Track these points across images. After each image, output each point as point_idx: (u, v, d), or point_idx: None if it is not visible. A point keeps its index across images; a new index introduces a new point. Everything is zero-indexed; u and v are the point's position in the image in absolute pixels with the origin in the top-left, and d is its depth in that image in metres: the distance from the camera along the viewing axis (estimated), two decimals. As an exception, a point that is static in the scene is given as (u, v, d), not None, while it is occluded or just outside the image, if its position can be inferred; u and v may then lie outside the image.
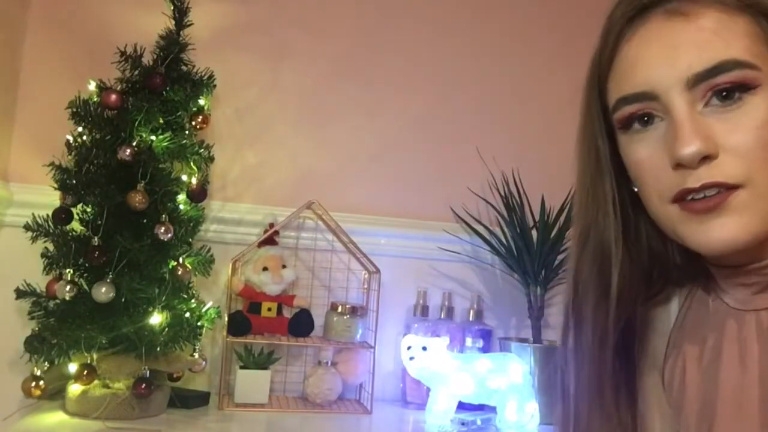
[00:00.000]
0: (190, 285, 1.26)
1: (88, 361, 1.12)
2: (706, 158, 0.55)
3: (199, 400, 1.28)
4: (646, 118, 0.60)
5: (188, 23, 1.31)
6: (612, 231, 0.65)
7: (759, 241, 0.56)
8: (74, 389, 1.13)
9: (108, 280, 1.12)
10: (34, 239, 1.19)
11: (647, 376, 0.70)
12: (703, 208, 0.56)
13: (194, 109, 1.29)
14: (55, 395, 1.18)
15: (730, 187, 0.55)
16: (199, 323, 1.23)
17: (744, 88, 0.56)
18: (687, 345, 0.67)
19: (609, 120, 0.64)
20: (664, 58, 0.58)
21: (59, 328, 1.12)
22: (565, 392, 0.71)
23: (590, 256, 0.67)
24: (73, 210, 1.20)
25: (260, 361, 1.32)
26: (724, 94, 0.56)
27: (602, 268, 0.66)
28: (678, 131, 0.56)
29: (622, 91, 0.61)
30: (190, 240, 1.28)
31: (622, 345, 0.68)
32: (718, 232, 0.56)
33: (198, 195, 1.27)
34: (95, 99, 1.21)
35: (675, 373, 0.67)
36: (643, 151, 0.60)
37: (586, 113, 0.67)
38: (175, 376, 1.28)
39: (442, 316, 1.47)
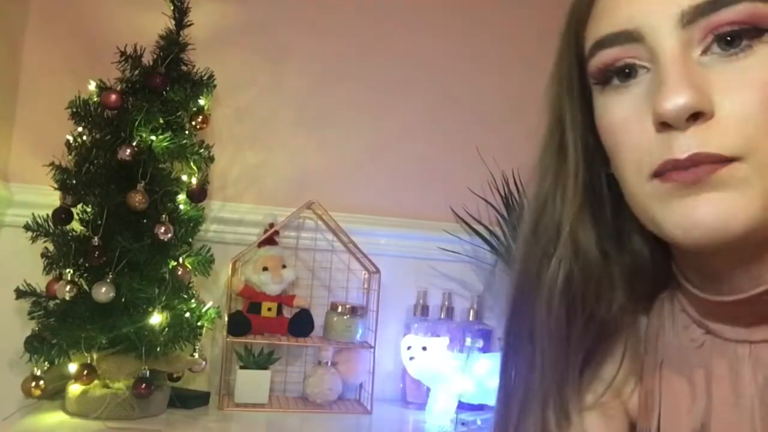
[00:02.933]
0: (190, 285, 1.26)
1: (88, 361, 1.12)
2: (696, 116, 0.42)
3: (199, 400, 1.28)
4: (627, 71, 0.47)
5: (188, 23, 1.31)
6: (567, 212, 0.52)
7: (755, 232, 0.43)
8: (74, 389, 1.13)
9: (108, 280, 1.12)
10: (34, 239, 1.19)
11: (590, 411, 0.56)
12: (691, 179, 0.43)
13: (194, 109, 1.29)
14: (55, 395, 1.18)
15: (726, 160, 0.42)
16: (199, 323, 1.23)
17: (754, 32, 0.43)
18: (664, 380, 0.54)
19: (585, 79, 0.51)
20: None
21: (59, 328, 1.12)
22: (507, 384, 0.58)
23: (540, 239, 0.54)
24: (73, 210, 1.20)
25: (260, 361, 1.32)
26: (728, 39, 0.43)
27: (545, 255, 0.53)
28: (664, 78, 0.43)
29: (600, 32, 0.48)
30: (190, 240, 1.28)
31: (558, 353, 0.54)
32: (705, 209, 0.43)
33: (198, 195, 1.27)
34: (95, 99, 1.21)
35: (647, 409, 0.55)
36: (620, 112, 0.47)
37: (557, 66, 0.55)
38: (175, 376, 1.28)
39: (442, 316, 1.47)
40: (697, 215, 0.43)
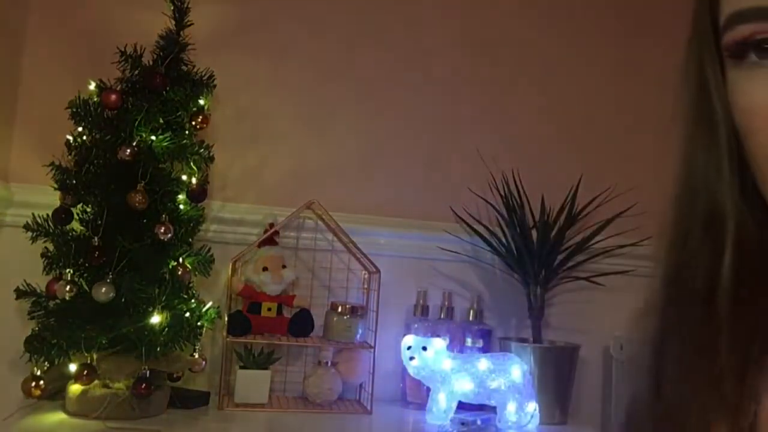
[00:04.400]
0: (190, 285, 1.26)
1: (88, 361, 1.12)
2: None
3: (199, 400, 1.28)
4: (766, 46, 0.41)
5: (188, 23, 1.31)
6: (727, 194, 0.47)
7: None
8: (74, 389, 1.13)
9: (108, 280, 1.12)
10: (34, 239, 1.19)
11: None
12: None
13: (194, 109, 1.29)
14: (55, 395, 1.18)
15: None
16: (199, 323, 1.23)
17: None
18: None
19: (720, 48, 0.46)
20: None
21: (59, 328, 1.12)
22: (658, 382, 0.50)
23: (700, 226, 0.48)
24: (73, 210, 1.20)
25: (260, 361, 1.32)
26: None
27: (715, 239, 0.47)
28: None
29: (740, 4, 0.42)
30: (190, 240, 1.28)
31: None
32: None
33: (198, 195, 1.27)
34: (95, 99, 1.21)
35: None
36: (759, 94, 0.42)
37: (693, 39, 0.50)
38: (175, 376, 1.28)
39: (442, 316, 1.47)
40: None
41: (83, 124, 1.21)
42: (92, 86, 1.22)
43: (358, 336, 1.38)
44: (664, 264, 0.51)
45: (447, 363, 1.27)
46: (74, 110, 1.20)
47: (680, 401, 0.48)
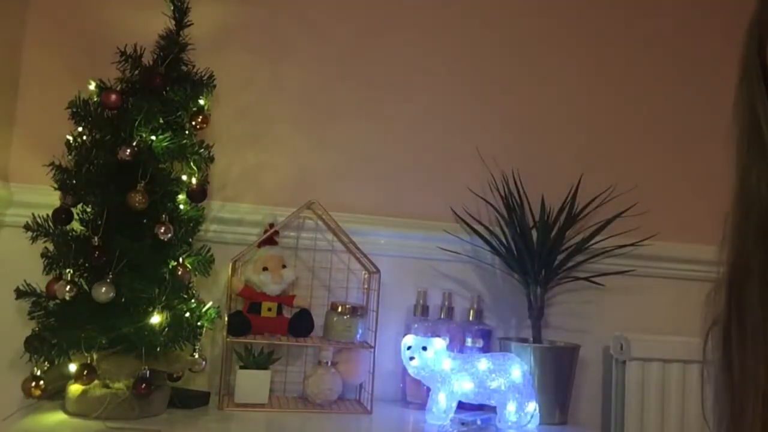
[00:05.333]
0: (190, 285, 1.26)
1: (88, 361, 1.12)
2: None
3: (199, 400, 1.28)
4: None
5: (188, 23, 1.31)
6: None
7: None
8: (74, 389, 1.13)
9: (108, 280, 1.12)
10: (34, 239, 1.19)
11: None
12: None
13: (194, 109, 1.29)
14: (55, 395, 1.18)
15: None
16: (199, 323, 1.23)
17: None
18: None
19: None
20: None
21: (59, 328, 1.12)
22: (722, 398, 0.58)
23: (753, 229, 0.57)
24: (73, 210, 1.20)
25: (260, 361, 1.32)
26: None
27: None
28: None
29: None
30: (190, 240, 1.28)
31: None
32: None
33: (198, 195, 1.27)
34: (95, 99, 1.21)
35: None
36: None
37: (744, 78, 0.58)
38: (175, 376, 1.28)
39: (442, 316, 1.47)
40: None
41: (83, 124, 1.21)
42: (92, 86, 1.22)
43: (358, 336, 1.38)
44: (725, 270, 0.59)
45: (447, 363, 1.28)
46: (74, 110, 1.21)
47: (742, 379, 0.56)
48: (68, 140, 1.22)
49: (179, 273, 1.21)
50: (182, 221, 1.25)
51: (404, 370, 1.37)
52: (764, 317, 0.55)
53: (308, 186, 1.49)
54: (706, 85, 1.66)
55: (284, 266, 1.39)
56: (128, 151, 1.16)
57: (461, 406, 1.30)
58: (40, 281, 1.20)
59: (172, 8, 1.30)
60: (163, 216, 1.19)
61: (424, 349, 1.27)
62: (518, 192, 1.50)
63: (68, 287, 1.11)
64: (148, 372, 1.14)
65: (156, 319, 1.14)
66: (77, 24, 1.42)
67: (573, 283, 1.52)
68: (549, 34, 1.66)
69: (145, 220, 1.19)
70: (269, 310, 1.36)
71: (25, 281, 1.20)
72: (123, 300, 1.14)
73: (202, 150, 1.29)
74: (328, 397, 1.34)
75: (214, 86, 1.33)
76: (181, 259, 1.23)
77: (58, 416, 1.13)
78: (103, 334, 1.12)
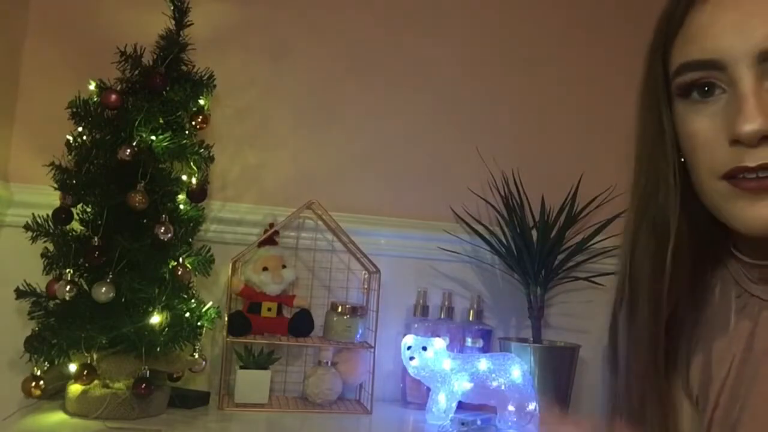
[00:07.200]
0: (190, 285, 1.26)
1: (88, 361, 1.12)
2: (766, 137, 0.53)
3: (199, 400, 1.28)
4: (706, 88, 0.58)
5: (188, 23, 1.31)
6: (672, 201, 0.63)
7: None
8: (74, 389, 1.13)
9: (108, 280, 1.12)
10: (34, 239, 1.19)
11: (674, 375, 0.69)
12: (756, 187, 0.54)
13: (194, 109, 1.29)
14: (55, 395, 1.18)
15: None
16: (199, 323, 1.23)
17: None
18: (714, 340, 0.65)
19: (670, 86, 0.63)
20: (738, 27, 0.55)
21: (59, 328, 1.12)
22: (617, 369, 0.69)
23: (649, 227, 0.65)
24: (73, 210, 1.20)
25: (260, 361, 1.32)
26: None
27: (660, 241, 0.64)
28: (742, 106, 0.54)
29: (687, 56, 0.59)
30: (190, 240, 1.28)
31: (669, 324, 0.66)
32: (765, 211, 0.54)
33: (198, 195, 1.27)
34: (95, 99, 1.21)
35: (699, 370, 0.65)
36: (700, 123, 0.58)
37: (648, 77, 0.66)
38: (175, 376, 1.28)
39: (442, 316, 1.47)
40: (759, 215, 0.55)
41: (83, 124, 1.21)
42: (92, 86, 1.22)
43: (358, 336, 1.38)
44: (621, 260, 0.68)
45: (447, 363, 1.27)
46: (74, 110, 1.20)
47: (626, 388, 0.67)
48: (68, 140, 1.22)
49: (179, 273, 1.21)
50: (182, 221, 1.24)
51: (404, 370, 1.37)
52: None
53: (308, 186, 1.49)
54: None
55: (284, 266, 1.39)
56: (128, 151, 1.16)
57: (461, 406, 1.30)
58: (40, 281, 1.20)
59: (172, 8, 1.30)
60: (163, 216, 1.19)
61: (424, 349, 1.27)
62: (518, 192, 1.50)
63: (68, 287, 1.11)
64: (148, 372, 1.14)
65: (156, 319, 1.14)
66: (77, 24, 1.42)
67: (573, 283, 1.52)
68: (549, 34, 1.66)
69: (145, 220, 1.19)
70: (269, 310, 1.36)
71: (25, 281, 1.20)
72: (123, 300, 1.14)
73: (202, 150, 1.28)
74: (328, 397, 1.34)
75: (214, 86, 1.33)
76: (181, 259, 1.23)
77: (58, 416, 1.13)
78: (103, 334, 1.12)
